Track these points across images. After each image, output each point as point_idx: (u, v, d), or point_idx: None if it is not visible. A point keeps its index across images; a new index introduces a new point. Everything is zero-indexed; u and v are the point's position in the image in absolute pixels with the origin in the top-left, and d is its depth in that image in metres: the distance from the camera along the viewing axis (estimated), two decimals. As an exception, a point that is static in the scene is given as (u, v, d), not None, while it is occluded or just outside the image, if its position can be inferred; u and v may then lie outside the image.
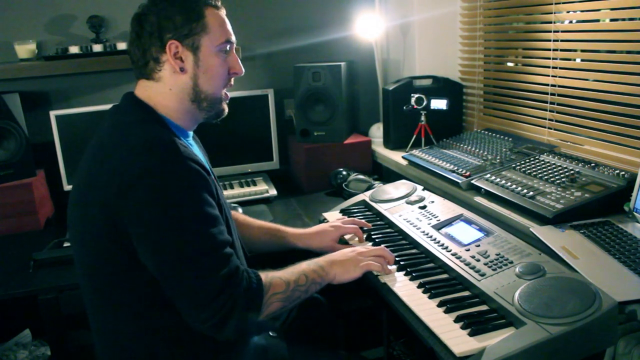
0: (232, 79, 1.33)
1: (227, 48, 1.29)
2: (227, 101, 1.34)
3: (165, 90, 1.26)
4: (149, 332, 1.20)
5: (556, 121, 1.89)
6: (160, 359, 1.21)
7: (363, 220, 1.68)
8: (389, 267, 1.39)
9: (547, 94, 1.90)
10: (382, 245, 1.50)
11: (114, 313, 1.21)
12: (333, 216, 1.80)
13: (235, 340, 1.27)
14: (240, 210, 1.88)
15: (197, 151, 1.32)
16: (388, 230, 1.65)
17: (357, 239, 1.61)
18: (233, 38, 1.30)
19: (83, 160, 1.24)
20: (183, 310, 1.14)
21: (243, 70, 1.33)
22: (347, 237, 1.62)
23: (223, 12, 1.30)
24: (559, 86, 1.86)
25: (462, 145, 2.03)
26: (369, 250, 1.41)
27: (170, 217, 1.10)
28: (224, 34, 1.27)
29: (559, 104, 1.87)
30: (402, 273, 1.38)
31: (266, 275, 1.21)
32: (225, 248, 1.15)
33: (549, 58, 1.88)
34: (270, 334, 1.39)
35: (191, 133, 1.35)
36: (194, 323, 1.13)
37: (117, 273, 1.17)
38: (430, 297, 1.25)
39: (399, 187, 1.88)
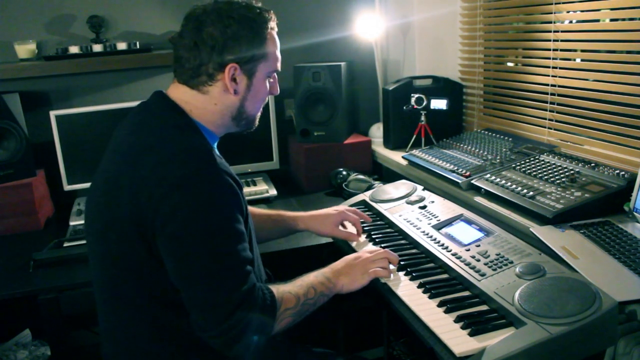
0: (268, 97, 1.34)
1: (275, 73, 1.30)
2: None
3: (209, 103, 1.23)
4: (156, 333, 1.20)
5: (556, 121, 1.89)
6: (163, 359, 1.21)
7: (366, 214, 1.69)
8: (390, 266, 1.39)
9: (547, 94, 1.90)
10: (382, 245, 1.50)
11: (125, 311, 1.21)
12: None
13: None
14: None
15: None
16: (388, 230, 1.65)
17: (355, 231, 1.61)
18: (280, 64, 1.30)
19: (108, 156, 1.23)
20: (197, 323, 1.12)
21: (279, 91, 1.35)
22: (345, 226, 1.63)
23: (276, 32, 1.28)
24: (559, 86, 1.85)
25: (462, 145, 2.03)
26: (373, 255, 1.39)
27: (199, 230, 1.10)
28: (276, 61, 1.28)
29: (559, 104, 1.87)
30: (402, 273, 1.38)
31: (277, 290, 1.20)
32: (246, 266, 1.14)
33: (549, 58, 1.88)
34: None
35: (218, 138, 1.33)
36: (205, 337, 1.12)
37: (136, 273, 1.16)
38: (430, 297, 1.25)
39: (399, 187, 1.88)
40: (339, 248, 1.64)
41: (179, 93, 1.24)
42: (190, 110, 1.23)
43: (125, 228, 1.13)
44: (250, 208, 1.64)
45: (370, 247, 1.55)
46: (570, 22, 1.84)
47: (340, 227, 1.62)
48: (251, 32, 1.20)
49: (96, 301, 1.28)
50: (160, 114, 1.22)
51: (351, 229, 1.63)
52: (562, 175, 1.60)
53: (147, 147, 1.15)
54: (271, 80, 1.30)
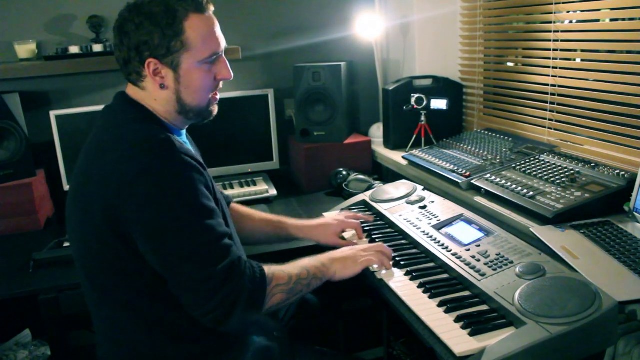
0: (221, 82, 1.30)
1: (213, 59, 1.24)
2: (217, 102, 1.32)
3: (151, 99, 1.25)
4: (151, 328, 1.21)
5: (556, 121, 1.89)
6: (163, 356, 1.22)
7: (365, 215, 1.69)
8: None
9: (547, 94, 1.90)
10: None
11: (116, 310, 1.22)
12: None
13: (238, 338, 1.27)
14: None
15: (190, 148, 1.32)
16: (388, 230, 1.65)
17: (357, 235, 1.61)
18: (221, 48, 1.25)
19: (79, 161, 1.25)
20: (187, 304, 1.14)
21: (232, 75, 1.29)
22: (346, 234, 1.63)
23: (209, 14, 1.23)
24: (559, 86, 1.85)
25: (462, 145, 2.03)
26: (368, 247, 1.43)
27: (169, 213, 1.11)
28: (208, 49, 1.22)
29: (559, 104, 1.87)
30: (402, 273, 1.38)
31: (269, 268, 1.22)
32: (224, 239, 1.16)
33: (549, 58, 1.88)
34: (275, 334, 1.39)
35: (184, 132, 1.35)
36: (198, 316, 1.14)
37: (118, 269, 1.18)
38: (430, 297, 1.25)
39: (399, 187, 1.88)
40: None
41: (131, 90, 1.27)
42: (145, 105, 1.26)
43: (101, 227, 1.14)
44: (251, 211, 1.65)
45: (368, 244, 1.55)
46: (570, 22, 1.84)
47: (345, 234, 1.63)
48: (160, 25, 1.17)
49: (87, 304, 1.29)
50: (120, 110, 1.25)
51: (348, 233, 1.64)
52: (562, 175, 1.60)
53: (109, 143, 1.19)
54: (211, 65, 1.24)
